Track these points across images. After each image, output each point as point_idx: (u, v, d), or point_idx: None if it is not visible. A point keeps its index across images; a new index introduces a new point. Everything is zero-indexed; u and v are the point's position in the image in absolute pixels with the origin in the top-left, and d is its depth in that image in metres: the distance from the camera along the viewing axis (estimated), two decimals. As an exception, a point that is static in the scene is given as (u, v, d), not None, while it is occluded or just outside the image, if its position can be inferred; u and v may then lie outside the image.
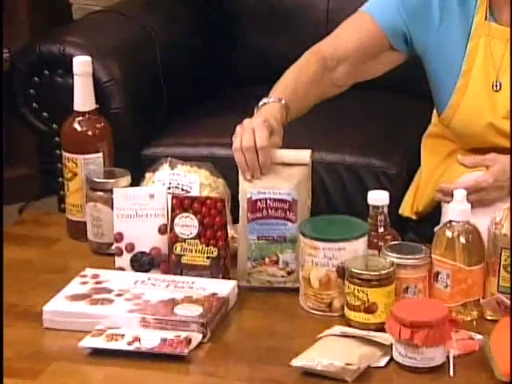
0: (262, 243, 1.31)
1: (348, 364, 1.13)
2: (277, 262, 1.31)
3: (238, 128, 1.37)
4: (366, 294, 1.21)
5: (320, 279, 1.26)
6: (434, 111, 1.71)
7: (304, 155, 1.32)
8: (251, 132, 1.33)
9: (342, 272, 1.25)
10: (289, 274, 1.31)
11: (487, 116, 1.50)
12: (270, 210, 1.30)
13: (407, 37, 1.52)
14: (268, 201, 1.30)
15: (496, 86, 1.48)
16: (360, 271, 1.22)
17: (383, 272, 1.21)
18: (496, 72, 1.48)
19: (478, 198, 1.41)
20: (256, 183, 1.31)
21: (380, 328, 1.19)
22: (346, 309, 1.24)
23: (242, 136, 1.34)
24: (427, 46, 1.52)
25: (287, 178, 1.30)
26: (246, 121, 1.38)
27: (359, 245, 1.26)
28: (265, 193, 1.30)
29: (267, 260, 1.31)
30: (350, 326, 1.23)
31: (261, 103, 1.44)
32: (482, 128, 1.50)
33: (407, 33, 1.52)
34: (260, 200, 1.30)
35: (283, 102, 1.43)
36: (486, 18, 1.48)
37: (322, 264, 1.26)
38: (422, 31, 1.51)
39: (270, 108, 1.42)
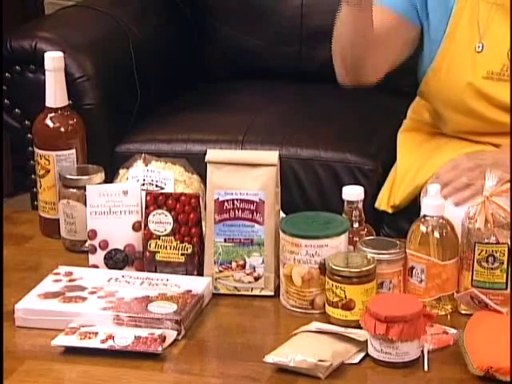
0: (228, 246, 1.30)
1: (321, 360, 1.12)
2: (244, 267, 1.30)
3: None
4: (344, 291, 1.21)
5: (302, 276, 1.26)
6: (411, 105, 1.72)
7: (272, 156, 1.31)
8: None
9: (324, 269, 1.24)
10: (256, 279, 1.30)
11: (467, 76, 1.52)
12: (237, 211, 1.29)
13: (418, 9, 1.55)
14: (235, 201, 1.29)
15: (479, 47, 1.50)
16: (340, 268, 1.21)
17: (363, 269, 1.21)
18: (479, 34, 1.51)
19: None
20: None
21: (359, 325, 1.19)
22: (326, 305, 1.24)
23: None
24: (424, 14, 1.55)
25: (255, 178, 1.29)
26: None
27: (341, 241, 1.26)
28: (232, 193, 1.29)
29: (234, 264, 1.30)
30: (330, 322, 1.23)
31: None
32: (461, 89, 1.52)
33: (415, 4, 1.55)
34: (227, 201, 1.29)
35: None
36: None
37: (304, 261, 1.25)
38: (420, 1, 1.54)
39: None
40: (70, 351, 1.18)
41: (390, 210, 1.66)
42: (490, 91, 1.51)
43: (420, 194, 1.57)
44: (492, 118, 1.53)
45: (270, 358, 1.14)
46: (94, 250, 1.38)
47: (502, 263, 1.23)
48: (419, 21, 1.56)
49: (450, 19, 1.52)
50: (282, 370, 1.14)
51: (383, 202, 1.67)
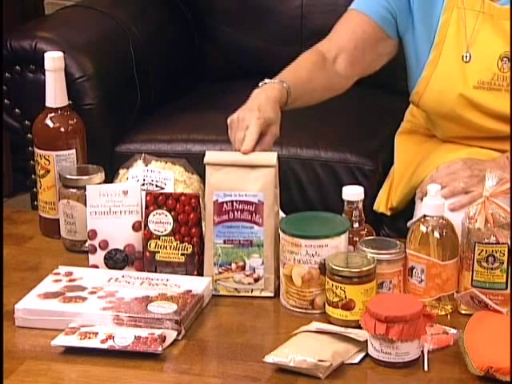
0: (228, 248, 1.30)
1: (321, 360, 1.12)
2: (243, 268, 1.30)
3: (232, 122, 1.36)
4: (344, 291, 1.21)
5: (302, 276, 1.26)
6: (408, 108, 1.72)
7: (271, 157, 1.31)
8: (243, 133, 1.33)
9: (324, 269, 1.24)
10: (256, 280, 1.30)
11: (458, 87, 1.52)
12: (236, 213, 1.29)
13: (396, 21, 1.55)
14: (234, 203, 1.29)
15: (466, 57, 1.50)
16: (340, 268, 1.21)
17: (363, 269, 1.21)
18: (466, 43, 1.51)
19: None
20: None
21: (359, 325, 1.19)
22: (326, 305, 1.24)
23: (235, 135, 1.35)
24: (408, 25, 1.54)
25: (253, 180, 1.29)
26: (241, 115, 1.36)
27: (341, 241, 1.26)
28: (231, 195, 1.29)
29: (234, 266, 1.30)
30: (330, 322, 1.23)
31: (261, 83, 1.44)
32: (452, 100, 1.52)
33: (394, 17, 1.55)
34: (226, 202, 1.29)
35: (284, 84, 1.43)
36: None
37: (304, 261, 1.25)
38: (403, 12, 1.54)
39: (270, 89, 1.42)
40: (70, 351, 1.18)
41: (388, 213, 1.66)
42: (481, 101, 1.50)
43: (415, 195, 1.57)
44: (485, 126, 1.53)
45: (270, 358, 1.14)
46: (93, 250, 1.38)
47: (502, 263, 1.23)
48: (396, 34, 1.56)
49: (437, 29, 1.52)
50: (282, 370, 1.14)
51: (381, 205, 1.67)
